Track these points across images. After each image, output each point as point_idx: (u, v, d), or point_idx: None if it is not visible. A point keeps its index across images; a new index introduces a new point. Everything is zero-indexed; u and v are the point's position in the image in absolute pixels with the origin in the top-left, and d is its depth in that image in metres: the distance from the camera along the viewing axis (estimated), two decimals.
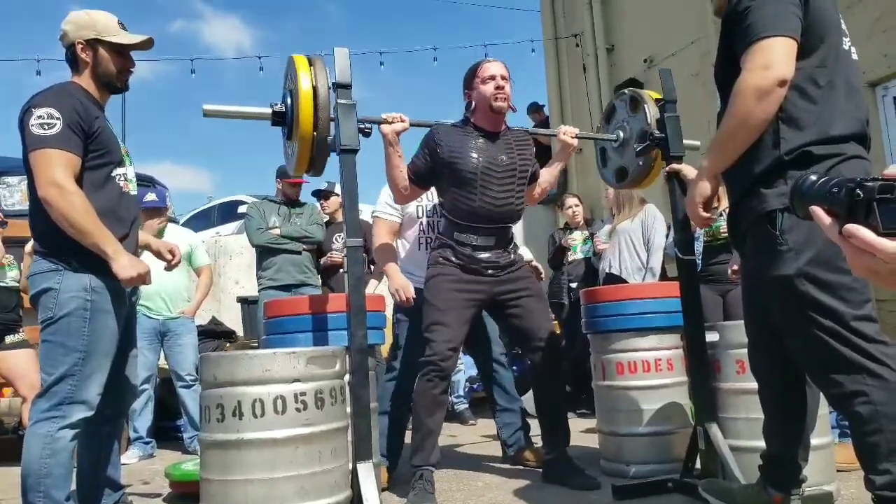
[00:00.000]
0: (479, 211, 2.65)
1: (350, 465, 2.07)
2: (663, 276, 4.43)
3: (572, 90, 8.26)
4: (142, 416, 4.07)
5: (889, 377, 1.52)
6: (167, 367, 4.26)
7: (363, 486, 2.00)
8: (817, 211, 0.75)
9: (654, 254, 4.31)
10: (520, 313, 2.74)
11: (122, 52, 2.23)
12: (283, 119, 2.30)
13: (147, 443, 4.08)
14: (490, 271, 2.69)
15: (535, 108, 8.98)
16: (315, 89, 2.19)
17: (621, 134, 2.80)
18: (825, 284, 1.58)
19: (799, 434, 1.89)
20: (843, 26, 1.77)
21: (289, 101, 2.26)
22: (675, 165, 2.52)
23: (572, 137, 2.80)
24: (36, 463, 1.97)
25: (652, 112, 2.61)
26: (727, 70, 1.77)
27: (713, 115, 5.74)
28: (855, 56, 1.78)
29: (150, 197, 4.15)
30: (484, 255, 2.69)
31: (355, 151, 2.24)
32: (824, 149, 1.64)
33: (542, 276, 3.47)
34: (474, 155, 2.65)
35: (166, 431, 4.54)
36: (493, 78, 2.66)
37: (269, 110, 2.30)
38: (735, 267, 3.53)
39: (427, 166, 2.68)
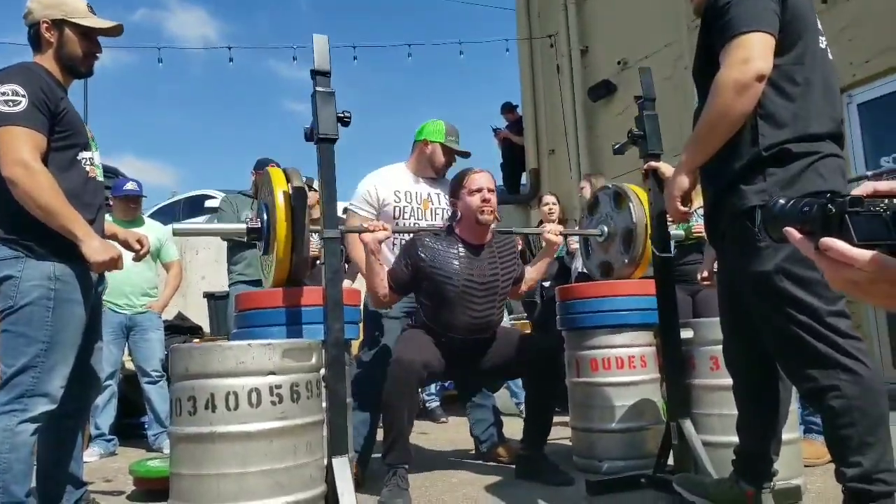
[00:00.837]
0: (458, 324, 2.69)
1: (325, 460, 2.04)
2: None
3: (546, 91, 8.31)
4: (104, 412, 3.95)
5: (861, 372, 1.56)
6: (130, 363, 4.17)
7: (338, 481, 1.97)
8: (791, 231, 0.77)
9: None
10: (492, 355, 2.78)
11: (88, 36, 2.16)
12: (259, 235, 2.26)
13: (109, 440, 3.97)
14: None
15: (508, 108, 9.01)
16: (293, 208, 2.14)
17: (605, 229, 2.83)
18: (801, 280, 1.61)
19: (771, 428, 1.91)
20: (820, 26, 1.80)
21: (265, 216, 2.23)
22: (652, 163, 2.53)
23: (557, 235, 2.80)
24: None
25: (637, 209, 2.63)
26: (706, 66, 1.79)
27: (685, 118, 5.76)
28: (830, 56, 1.81)
29: (130, 185, 4.12)
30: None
31: (334, 140, 2.20)
32: (802, 146, 1.66)
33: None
34: (457, 271, 2.66)
35: (128, 429, 4.42)
36: (479, 190, 2.67)
37: (244, 227, 2.26)
38: (705, 273, 3.56)
39: (408, 276, 2.69)
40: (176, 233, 2.21)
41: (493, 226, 2.74)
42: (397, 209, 3.09)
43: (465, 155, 3.20)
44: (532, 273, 2.95)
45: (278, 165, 3.89)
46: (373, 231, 2.48)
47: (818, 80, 1.71)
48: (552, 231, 2.80)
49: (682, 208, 1.91)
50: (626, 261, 2.73)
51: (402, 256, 2.73)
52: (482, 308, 2.70)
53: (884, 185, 0.78)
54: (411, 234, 2.80)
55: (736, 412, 1.98)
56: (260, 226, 2.24)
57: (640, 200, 2.66)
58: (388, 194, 3.07)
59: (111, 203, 4.21)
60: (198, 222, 8.63)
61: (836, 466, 1.59)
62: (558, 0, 7.98)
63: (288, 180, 2.18)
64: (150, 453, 3.85)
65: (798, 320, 1.61)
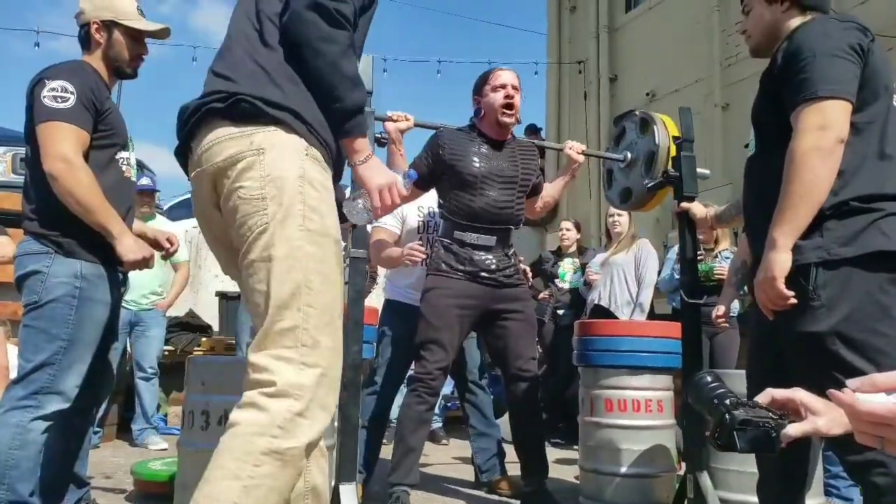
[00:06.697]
0: (479, 212, 2.63)
1: (331, 486, 1.99)
2: (651, 314, 4.41)
3: (572, 116, 8.30)
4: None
5: None
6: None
7: None
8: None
9: (645, 290, 4.28)
10: (505, 335, 2.69)
11: (136, 38, 2.19)
12: None
13: (96, 432, 4.00)
14: (488, 279, 2.64)
15: (532, 130, 8.96)
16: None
17: (628, 154, 2.75)
18: (857, 345, 1.53)
19: (795, 493, 1.85)
20: (894, 85, 1.75)
21: None
22: (685, 204, 2.49)
23: (578, 153, 2.76)
24: (4, 453, 1.87)
25: (661, 132, 2.56)
26: (770, 112, 1.74)
27: (713, 156, 5.68)
28: None
29: (144, 181, 4.15)
30: (483, 256, 2.64)
31: None
32: (865, 204, 1.60)
33: (529, 277, 3.35)
34: (476, 161, 2.63)
35: (130, 421, 4.42)
36: (503, 87, 2.63)
37: None
38: (721, 311, 3.48)
39: (429, 168, 2.65)
40: None
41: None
42: (421, 224, 3.09)
43: None
44: (550, 190, 2.90)
45: None
46: (396, 120, 2.45)
47: (891, 141, 1.66)
48: (574, 147, 2.74)
49: (786, 293, 1.60)
50: (647, 183, 2.60)
51: (423, 150, 2.71)
52: (503, 196, 2.65)
53: (780, 395, 0.94)
54: (435, 130, 2.73)
55: (756, 470, 1.92)
56: None
57: (665, 125, 2.59)
58: (411, 209, 3.05)
59: None
60: None
61: None
62: (590, 27, 7.99)
63: None
64: (150, 452, 3.84)
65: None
